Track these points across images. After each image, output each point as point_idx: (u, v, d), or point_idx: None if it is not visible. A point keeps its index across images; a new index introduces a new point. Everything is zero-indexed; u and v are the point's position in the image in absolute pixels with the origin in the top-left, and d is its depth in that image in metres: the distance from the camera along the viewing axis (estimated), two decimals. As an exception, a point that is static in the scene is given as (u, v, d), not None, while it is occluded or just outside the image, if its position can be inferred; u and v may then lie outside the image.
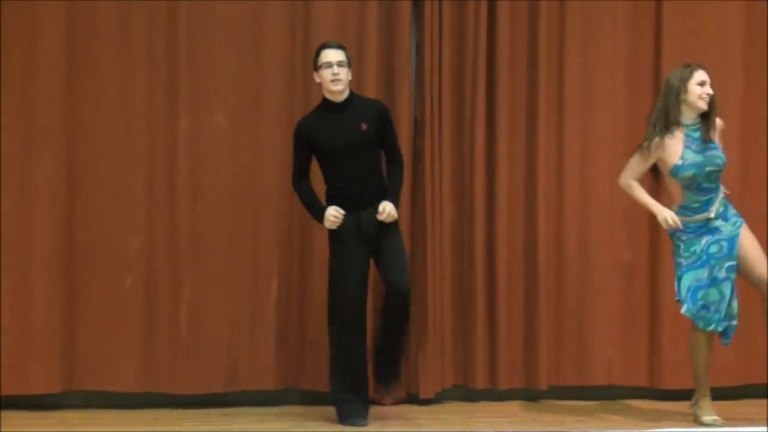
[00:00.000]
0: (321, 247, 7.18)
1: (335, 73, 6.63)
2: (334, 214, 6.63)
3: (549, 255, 7.50)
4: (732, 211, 6.72)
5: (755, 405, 7.27)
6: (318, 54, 6.72)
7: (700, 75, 6.66)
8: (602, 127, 7.54)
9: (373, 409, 6.99)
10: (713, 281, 6.63)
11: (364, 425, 6.70)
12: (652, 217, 7.41)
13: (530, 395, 7.48)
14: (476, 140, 7.42)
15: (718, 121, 6.73)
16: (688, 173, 6.60)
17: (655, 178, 6.85)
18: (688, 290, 6.65)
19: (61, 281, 7.12)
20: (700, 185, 6.63)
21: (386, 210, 6.64)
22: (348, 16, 7.38)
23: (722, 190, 6.72)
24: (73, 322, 7.15)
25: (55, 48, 7.13)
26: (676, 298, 6.74)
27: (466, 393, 7.47)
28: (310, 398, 7.28)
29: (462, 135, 7.46)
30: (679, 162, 6.60)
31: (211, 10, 7.29)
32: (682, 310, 6.69)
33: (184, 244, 7.23)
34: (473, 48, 7.41)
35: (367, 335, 6.88)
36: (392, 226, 6.73)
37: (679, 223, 6.60)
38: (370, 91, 7.23)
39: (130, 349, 7.18)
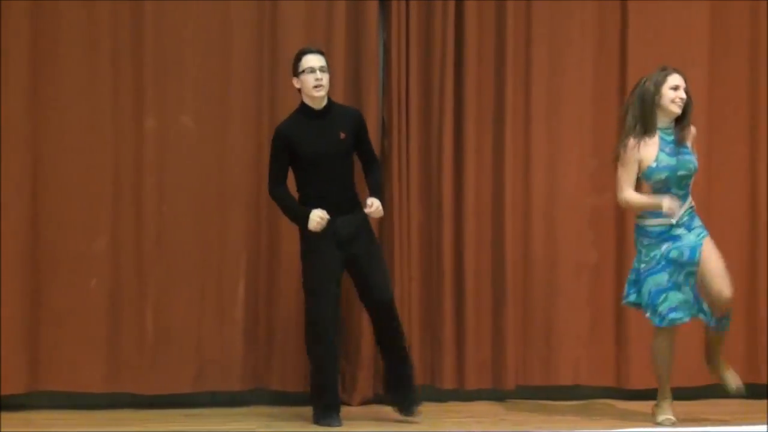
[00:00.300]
0: (288, 248, 7.19)
1: (318, 79, 6.63)
2: (320, 215, 6.59)
3: (516, 256, 7.51)
4: (697, 222, 6.70)
5: (715, 405, 7.37)
6: (299, 59, 6.69)
7: (674, 79, 6.63)
8: (569, 128, 7.56)
9: (341, 409, 6.98)
10: (673, 285, 6.62)
11: (339, 426, 6.68)
12: (618, 217, 7.50)
13: (498, 395, 7.48)
14: (444, 141, 7.43)
15: (692, 129, 6.73)
16: (661, 176, 6.58)
17: None
18: (649, 294, 6.64)
19: (26, 281, 7.06)
20: (669, 190, 6.61)
21: (374, 204, 6.65)
22: (315, 17, 7.38)
23: (690, 201, 6.71)
24: (38, 322, 7.10)
25: (19, 48, 7.07)
26: (623, 302, 6.79)
27: (433, 393, 7.44)
28: (278, 399, 7.27)
29: (429, 136, 7.46)
30: (653, 164, 6.59)
31: (177, 10, 7.26)
32: (647, 315, 6.69)
33: (150, 245, 7.20)
34: (441, 48, 7.42)
35: (340, 336, 6.88)
36: (368, 234, 6.75)
37: (675, 209, 6.52)
38: (338, 92, 7.22)
39: (95, 349, 7.13)
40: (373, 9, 7.39)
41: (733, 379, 6.79)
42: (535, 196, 7.54)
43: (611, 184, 7.39)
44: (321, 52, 6.74)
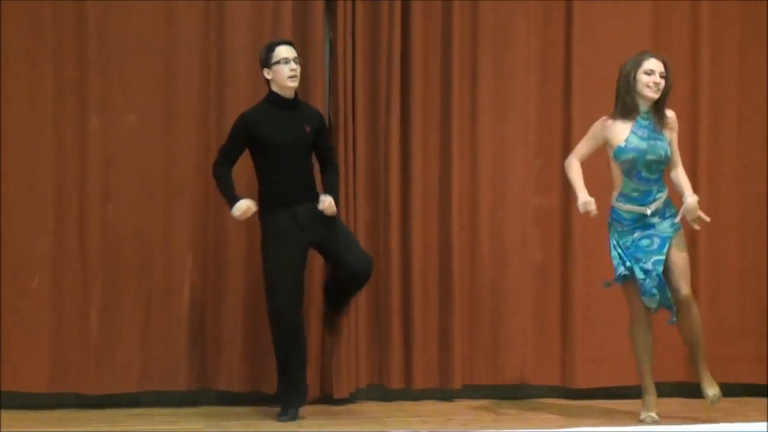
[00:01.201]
0: (235, 247, 7.20)
1: (293, 69, 6.75)
2: (248, 204, 6.66)
3: (463, 255, 7.51)
4: (671, 210, 6.71)
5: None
6: (271, 50, 6.76)
7: (649, 63, 6.62)
8: (515, 127, 7.58)
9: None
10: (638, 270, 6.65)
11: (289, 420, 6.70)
12: (564, 217, 7.55)
13: (445, 395, 7.48)
14: (391, 140, 7.42)
15: (670, 114, 6.71)
16: (628, 156, 6.57)
17: None
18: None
19: (-34, 281, 6.99)
20: (639, 173, 6.61)
21: (327, 200, 6.75)
22: (261, 16, 7.35)
23: (666, 193, 6.72)
24: (-20, 321, 7.02)
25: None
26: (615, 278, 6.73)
27: (381, 392, 7.46)
28: (224, 398, 7.22)
29: (376, 135, 7.46)
30: (622, 144, 6.58)
31: (122, 9, 7.21)
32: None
33: (95, 244, 7.13)
34: (387, 48, 7.42)
35: (305, 336, 6.88)
36: (331, 218, 6.79)
37: (593, 212, 6.58)
38: (284, 91, 7.24)
39: (38, 348, 7.05)
40: (319, 9, 7.37)
41: (709, 388, 6.81)
42: (481, 195, 7.55)
43: (556, 184, 7.47)
44: (292, 44, 6.84)
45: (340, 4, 7.37)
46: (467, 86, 7.53)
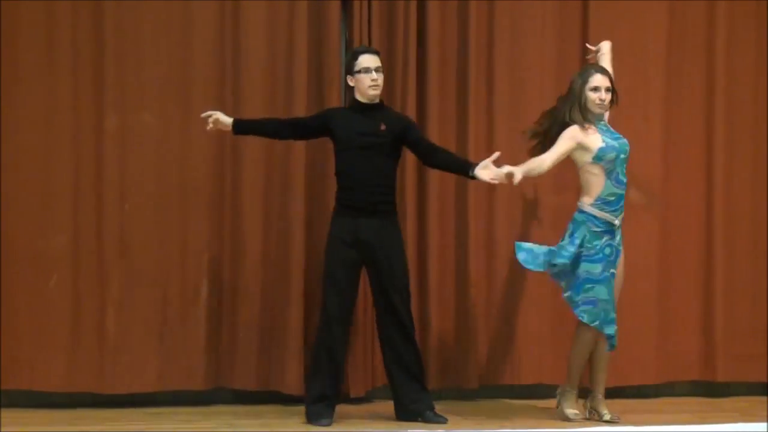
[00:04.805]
0: (252, 247, 7.24)
1: (374, 79, 6.75)
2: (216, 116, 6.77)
3: (479, 256, 7.52)
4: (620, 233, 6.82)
5: (673, 403, 7.45)
6: (355, 58, 6.76)
7: (594, 80, 6.75)
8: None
9: (301, 408, 6.93)
10: (603, 279, 6.67)
11: (329, 425, 6.67)
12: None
13: (461, 394, 7.48)
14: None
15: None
16: (612, 155, 6.67)
17: None
18: (578, 278, 6.69)
19: (-16, 280, 7.01)
20: (618, 175, 6.70)
21: (504, 170, 6.62)
22: (277, 16, 7.37)
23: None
24: (-3, 320, 7.04)
25: (-23, 45, 7.03)
26: (552, 267, 6.73)
27: (397, 392, 7.45)
28: (241, 398, 7.24)
29: (392, 135, 7.47)
30: (603, 144, 6.68)
31: (138, 9, 7.23)
32: (564, 295, 6.75)
33: (112, 243, 7.15)
34: (403, 48, 7.44)
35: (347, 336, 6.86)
36: (392, 246, 6.74)
37: (517, 178, 6.57)
38: (300, 90, 7.27)
39: (56, 348, 7.07)
40: (335, 9, 7.39)
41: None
42: (497, 195, 7.55)
43: (572, 184, 7.45)
44: (377, 53, 6.85)
45: (356, 4, 7.39)
46: (483, 86, 7.54)
